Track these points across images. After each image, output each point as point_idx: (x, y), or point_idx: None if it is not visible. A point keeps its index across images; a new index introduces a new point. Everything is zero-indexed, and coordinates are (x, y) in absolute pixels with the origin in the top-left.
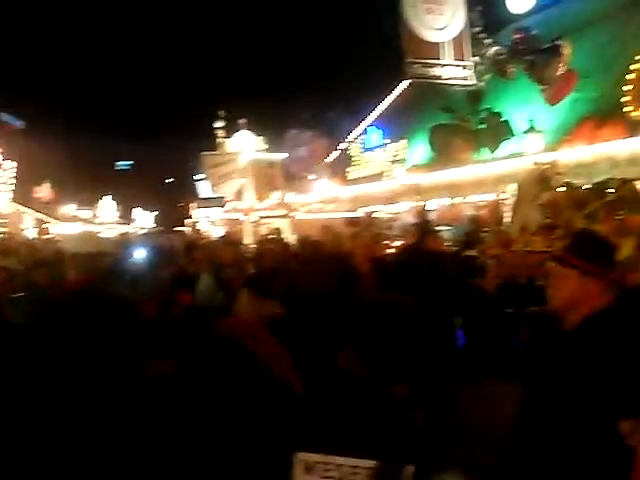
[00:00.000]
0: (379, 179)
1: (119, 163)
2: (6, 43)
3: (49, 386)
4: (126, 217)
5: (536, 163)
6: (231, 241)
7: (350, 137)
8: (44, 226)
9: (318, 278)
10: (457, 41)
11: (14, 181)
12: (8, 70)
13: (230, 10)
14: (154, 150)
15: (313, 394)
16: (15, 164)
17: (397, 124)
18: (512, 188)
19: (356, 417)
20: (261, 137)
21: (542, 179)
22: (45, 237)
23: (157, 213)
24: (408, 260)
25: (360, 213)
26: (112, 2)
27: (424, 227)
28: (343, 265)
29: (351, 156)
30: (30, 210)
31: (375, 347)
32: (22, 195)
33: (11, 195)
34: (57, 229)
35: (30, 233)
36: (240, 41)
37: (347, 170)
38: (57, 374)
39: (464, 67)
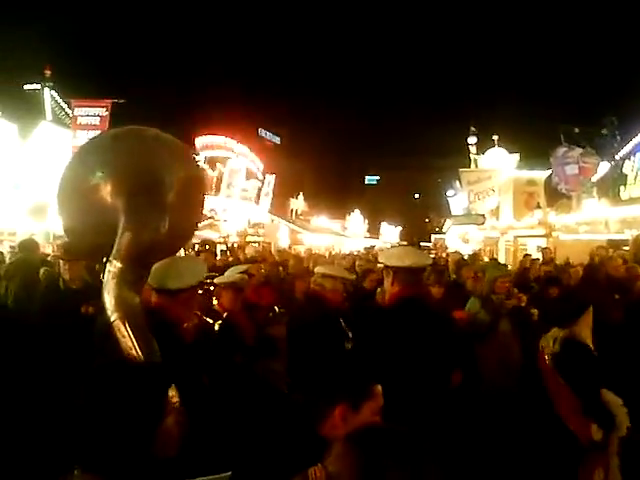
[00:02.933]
0: None
1: (368, 177)
2: (266, 66)
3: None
4: (373, 231)
5: None
6: (505, 273)
7: (621, 154)
8: (298, 236)
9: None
10: None
11: (272, 194)
12: (269, 89)
13: (487, 27)
14: (401, 166)
15: None
16: (273, 177)
17: None
18: None
19: None
20: (515, 154)
21: None
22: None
23: (402, 228)
24: None
25: (627, 236)
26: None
27: None
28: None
29: (624, 174)
30: (284, 221)
31: None
32: (278, 207)
33: (269, 206)
34: (309, 240)
35: (284, 243)
36: (493, 57)
37: (619, 189)
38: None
39: None
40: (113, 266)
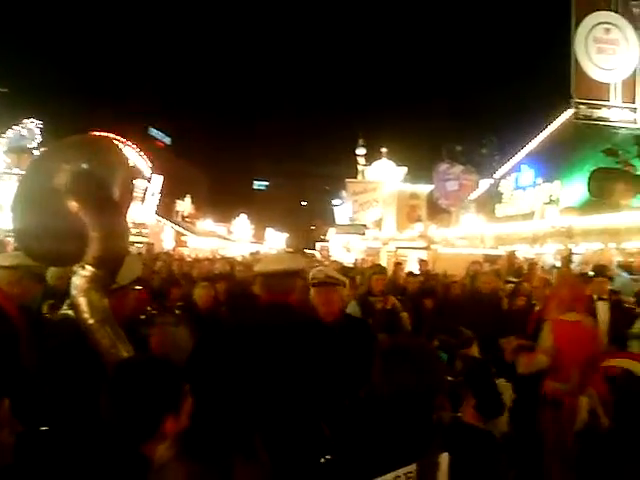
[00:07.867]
0: (528, 219)
1: (257, 182)
2: (158, 63)
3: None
4: (259, 236)
5: None
6: (380, 270)
7: (499, 173)
8: (182, 238)
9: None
10: (628, 83)
11: (159, 194)
12: (159, 87)
13: (374, 35)
14: (290, 172)
15: None
16: (161, 178)
17: (550, 163)
18: None
19: None
20: (402, 167)
21: None
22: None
23: (288, 235)
24: None
25: (501, 251)
26: (246, 27)
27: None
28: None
29: (501, 193)
30: (170, 223)
31: None
32: (164, 208)
33: (155, 207)
34: (194, 242)
35: (169, 245)
36: (384, 70)
37: (495, 207)
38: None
39: (633, 110)
40: (87, 270)
